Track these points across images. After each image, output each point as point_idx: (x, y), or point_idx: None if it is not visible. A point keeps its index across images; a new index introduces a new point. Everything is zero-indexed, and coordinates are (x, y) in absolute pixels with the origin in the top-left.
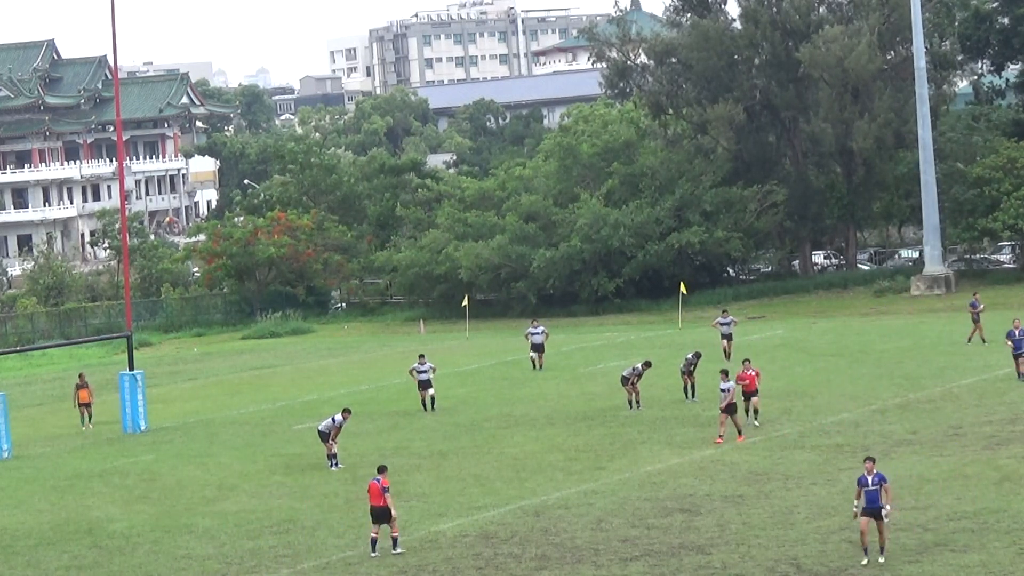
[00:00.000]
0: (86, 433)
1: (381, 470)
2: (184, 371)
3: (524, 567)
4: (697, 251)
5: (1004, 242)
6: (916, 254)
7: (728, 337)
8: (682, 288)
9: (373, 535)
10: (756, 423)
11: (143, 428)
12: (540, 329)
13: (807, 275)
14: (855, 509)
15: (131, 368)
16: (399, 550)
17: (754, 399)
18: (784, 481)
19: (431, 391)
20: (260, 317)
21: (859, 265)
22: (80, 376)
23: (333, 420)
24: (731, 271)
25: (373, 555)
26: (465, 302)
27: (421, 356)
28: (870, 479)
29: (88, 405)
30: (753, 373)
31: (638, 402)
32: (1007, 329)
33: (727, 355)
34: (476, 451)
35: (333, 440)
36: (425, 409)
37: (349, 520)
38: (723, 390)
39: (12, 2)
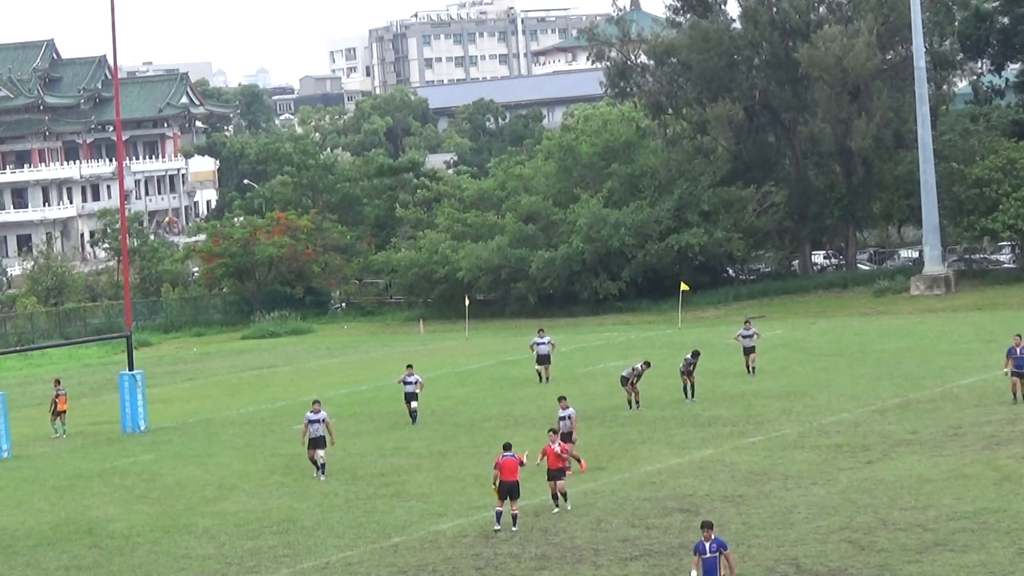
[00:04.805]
0: (62, 438)
1: (508, 447)
2: (184, 371)
3: (524, 567)
4: (698, 251)
5: (1004, 242)
6: (916, 254)
7: (750, 350)
8: (683, 287)
9: (499, 509)
10: (568, 507)
11: (143, 428)
12: (546, 339)
13: (807, 275)
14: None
15: (131, 368)
16: (516, 527)
17: (559, 482)
18: (784, 481)
19: (414, 404)
20: (259, 317)
21: (859, 265)
22: (56, 383)
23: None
24: (731, 271)
25: (497, 528)
26: (467, 302)
27: (409, 367)
28: (707, 546)
29: (63, 412)
30: (558, 448)
31: (637, 402)
32: (1008, 346)
33: (750, 369)
34: (476, 451)
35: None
36: (414, 421)
37: (349, 520)
38: (562, 418)
39: (12, 2)
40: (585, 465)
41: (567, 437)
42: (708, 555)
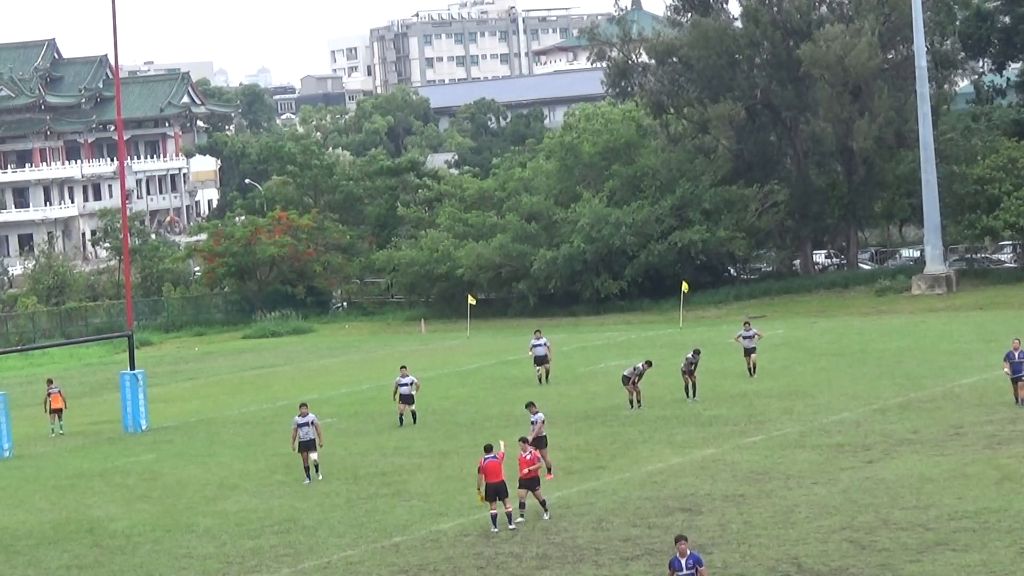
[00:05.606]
0: (61, 435)
1: (489, 449)
2: (185, 370)
3: (525, 566)
4: (699, 251)
5: (1005, 241)
6: (917, 253)
7: (751, 352)
8: (684, 287)
9: (493, 512)
10: (546, 516)
11: (144, 427)
12: (543, 341)
13: (808, 274)
14: None
15: (132, 367)
16: (513, 525)
17: (536, 490)
18: (785, 480)
19: (412, 407)
20: (261, 316)
21: (860, 264)
22: (48, 382)
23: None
24: (732, 271)
25: (495, 529)
26: (472, 300)
27: (403, 368)
28: (683, 562)
29: (59, 411)
30: (529, 457)
31: (639, 401)
32: (1006, 350)
33: (751, 371)
34: (477, 451)
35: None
36: (401, 424)
37: (350, 519)
38: (533, 422)
39: (12, 2)
40: (551, 475)
41: (539, 442)
42: (684, 571)
